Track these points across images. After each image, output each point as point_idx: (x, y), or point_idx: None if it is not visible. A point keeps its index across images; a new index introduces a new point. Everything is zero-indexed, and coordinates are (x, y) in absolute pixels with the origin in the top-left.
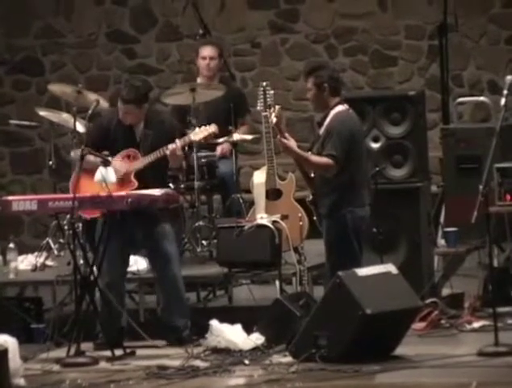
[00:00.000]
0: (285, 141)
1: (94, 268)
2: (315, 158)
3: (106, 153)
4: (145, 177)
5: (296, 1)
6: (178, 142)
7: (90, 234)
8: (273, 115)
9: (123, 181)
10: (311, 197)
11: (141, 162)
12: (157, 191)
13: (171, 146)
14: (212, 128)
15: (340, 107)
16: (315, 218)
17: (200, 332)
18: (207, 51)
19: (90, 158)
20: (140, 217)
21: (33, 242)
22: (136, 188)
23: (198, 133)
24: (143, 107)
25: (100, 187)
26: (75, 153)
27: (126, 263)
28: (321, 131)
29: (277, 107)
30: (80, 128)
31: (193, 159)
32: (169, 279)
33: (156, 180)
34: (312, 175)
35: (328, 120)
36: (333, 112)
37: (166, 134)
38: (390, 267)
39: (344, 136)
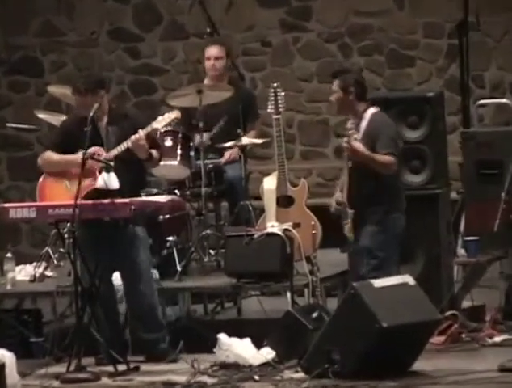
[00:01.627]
0: (355, 143)
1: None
2: (380, 157)
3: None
4: (116, 172)
5: None
6: (141, 132)
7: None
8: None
9: (87, 175)
10: (352, 211)
11: (106, 156)
12: (162, 198)
13: (134, 137)
14: (174, 114)
15: (374, 109)
16: (346, 225)
17: (191, 345)
18: (212, 51)
19: (53, 157)
20: (100, 224)
21: (32, 251)
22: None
23: (160, 121)
24: (97, 94)
25: (65, 191)
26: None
27: (107, 271)
28: (359, 136)
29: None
30: None
31: (199, 164)
32: (135, 294)
33: (125, 177)
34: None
35: (365, 123)
36: (368, 115)
37: (130, 129)
38: (407, 278)
39: (392, 133)
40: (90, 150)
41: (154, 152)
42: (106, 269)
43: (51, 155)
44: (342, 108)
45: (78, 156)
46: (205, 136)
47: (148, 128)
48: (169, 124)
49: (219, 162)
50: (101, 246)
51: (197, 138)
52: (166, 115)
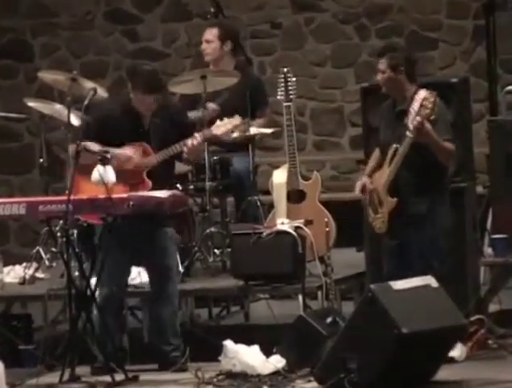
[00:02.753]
0: (428, 124)
1: (92, 281)
2: (446, 144)
3: (106, 149)
4: (153, 175)
5: None
6: (198, 136)
7: (86, 241)
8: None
9: (133, 178)
10: (394, 199)
11: (155, 158)
12: (162, 193)
13: (190, 142)
14: (237, 121)
15: (425, 90)
16: (376, 214)
17: (195, 353)
18: (204, 34)
19: (93, 147)
20: (140, 221)
21: (21, 251)
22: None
23: (220, 126)
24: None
25: (103, 188)
26: (72, 149)
27: (127, 274)
28: (410, 119)
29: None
30: (75, 121)
31: (203, 156)
32: (165, 297)
33: (164, 180)
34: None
35: (416, 105)
36: (420, 97)
37: (173, 121)
38: (430, 280)
39: (448, 118)
40: (138, 144)
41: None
42: (126, 271)
43: (93, 146)
44: (391, 90)
45: (126, 150)
46: (213, 105)
47: (207, 133)
48: (231, 131)
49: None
50: (133, 246)
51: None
52: (226, 120)
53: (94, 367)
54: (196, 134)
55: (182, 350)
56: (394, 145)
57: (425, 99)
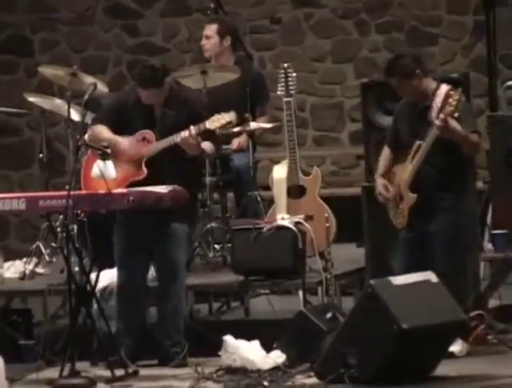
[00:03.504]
0: (452, 121)
1: (91, 276)
2: (473, 137)
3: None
4: (160, 166)
5: None
6: (193, 129)
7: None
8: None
9: (130, 167)
10: (415, 195)
11: (153, 148)
12: (162, 188)
13: (183, 134)
14: (231, 117)
15: (446, 86)
16: (398, 209)
17: (195, 348)
18: (205, 30)
19: (103, 134)
20: (143, 216)
21: (21, 246)
22: (149, 179)
23: (214, 121)
24: (164, 85)
25: (111, 182)
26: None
27: (140, 262)
28: (434, 115)
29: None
30: (75, 116)
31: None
32: (173, 291)
33: (173, 171)
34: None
35: (441, 100)
36: (442, 92)
37: (190, 115)
38: (430, 275)
39: (472, 112)
40: (139, 133)
41: (208, 145)
42: (143, 264)
43: (102, 130)
44: (419, 96)
45: (125, 141)
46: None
47: (201, 127)
48: (223, 126)
49: (227, 149)
50: (143, 240)
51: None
52: (220, 115)
53: (94, 361)
54: (191, 127)
55: (182, 346)
56: (418, 142)
57: (449, 95)
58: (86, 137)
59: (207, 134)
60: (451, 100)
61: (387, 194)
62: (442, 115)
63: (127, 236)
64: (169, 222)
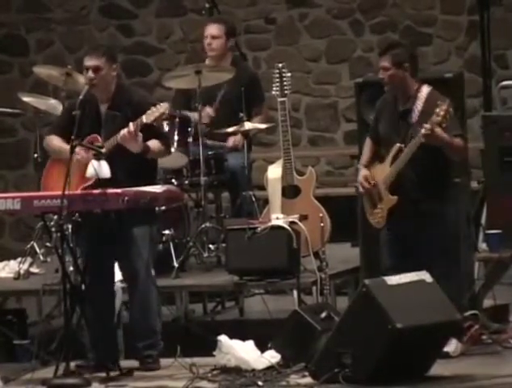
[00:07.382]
0: (439, 130)
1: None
2: (456, 141)
3: (98, 143)
4: (110, 168)
5: None
6: (131, 126)
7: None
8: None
9: (81, 173)
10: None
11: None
12: (157, 188)
13: (122, 132)
14: (164, 107)
15: (427, 87)
16: (374, 209)
17: (190, 348)
18: (209, 29)
19: (54, 142)
20: (105, 219)
21: (16, 246)
22: (101, 182)
23: (150, 115)
24: (108, 65)
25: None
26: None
27: (101, 262)
28: (414, 118)
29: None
30: None
31: (198, 151)
32: (137, 295)
33: (123, 171)
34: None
35: (421, 102)
36: (423, 95)
37: (134, 117)
38: (424, 275)
39: (455, 114)
40: (87, 139)
41: (154, 143)
42: (107, 266)
43: (51, 140)
44: (396, 87)
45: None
46: (208, 109)
47: (139, 122)
48: (159, 118)
49: (220, 147)
50: (103, 240)
51: (194, 116)
52: (154, 108)
53: (79, 365)
54: (130, 123)
55: (158, 348)
56: (398, 145)
57: (433, 102)
58: (44, 145)
59: (150, 130)
60: (438, 110)
61: (367, 185)
62: (428, 125)
63: (88, 240)
64: (128, 227)
